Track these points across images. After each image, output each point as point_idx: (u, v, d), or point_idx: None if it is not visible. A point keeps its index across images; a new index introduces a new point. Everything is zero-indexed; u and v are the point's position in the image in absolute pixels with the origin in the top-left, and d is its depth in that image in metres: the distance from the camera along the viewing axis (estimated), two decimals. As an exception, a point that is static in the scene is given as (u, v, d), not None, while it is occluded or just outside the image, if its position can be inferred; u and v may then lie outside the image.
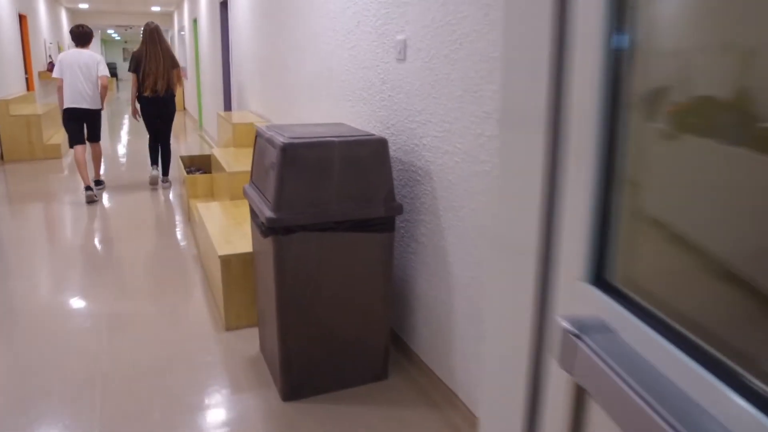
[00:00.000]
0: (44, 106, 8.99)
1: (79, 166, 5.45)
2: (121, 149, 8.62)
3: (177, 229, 4.61)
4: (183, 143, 9.31)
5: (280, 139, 2.10)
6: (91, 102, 5.46)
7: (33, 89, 10.20)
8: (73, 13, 17.42)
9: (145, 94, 5.60)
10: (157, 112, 5.74)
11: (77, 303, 3.21)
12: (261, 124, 4.71)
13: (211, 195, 4.92)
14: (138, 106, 5.75)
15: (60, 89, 5.37)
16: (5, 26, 8.40)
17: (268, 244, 2.17)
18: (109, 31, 25.30)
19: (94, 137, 5.72)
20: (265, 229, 2.10)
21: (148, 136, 5.97)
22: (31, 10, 10.59)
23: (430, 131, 2.26)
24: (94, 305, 3.18)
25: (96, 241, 4.28)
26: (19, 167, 7.19)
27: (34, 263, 3.81)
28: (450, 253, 2.20)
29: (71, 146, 5.52)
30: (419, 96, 2.32)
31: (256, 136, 2.47)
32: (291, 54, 4.20)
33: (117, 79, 25.41)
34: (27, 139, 7.73)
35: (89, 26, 5.64)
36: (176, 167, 6.43)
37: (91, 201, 5.37)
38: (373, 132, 2.58)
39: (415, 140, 2.38)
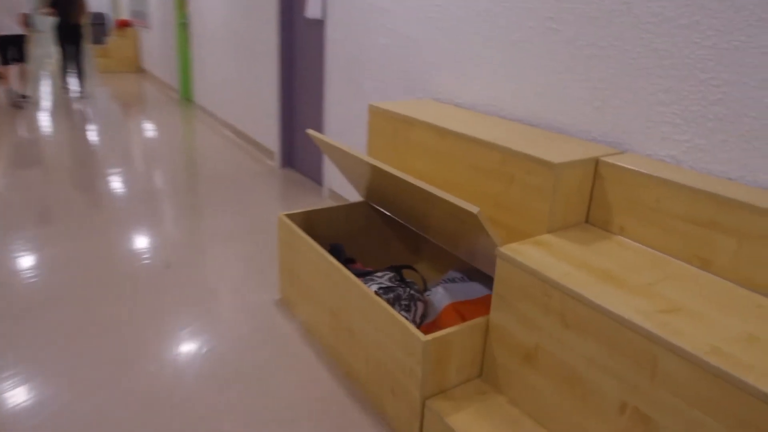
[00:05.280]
0: None
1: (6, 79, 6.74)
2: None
3: None
4: (164, 126, 5.89)
5: None
6: (14, 29, 6.52)
7: None
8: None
9: (59, 21, 7.11)
10: (67, 36, 7.22)
11: None
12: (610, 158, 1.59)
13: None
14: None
15: None
16: None
17: None
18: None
19: (21, 58, 6.69)
20: None
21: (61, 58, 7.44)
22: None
23: None
24: None
25: None
26: None
27: None
28: None
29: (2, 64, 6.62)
30: None
31: None
32: None
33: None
34: None
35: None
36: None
37: (18, 106, 6.60)
38: None
39: None
